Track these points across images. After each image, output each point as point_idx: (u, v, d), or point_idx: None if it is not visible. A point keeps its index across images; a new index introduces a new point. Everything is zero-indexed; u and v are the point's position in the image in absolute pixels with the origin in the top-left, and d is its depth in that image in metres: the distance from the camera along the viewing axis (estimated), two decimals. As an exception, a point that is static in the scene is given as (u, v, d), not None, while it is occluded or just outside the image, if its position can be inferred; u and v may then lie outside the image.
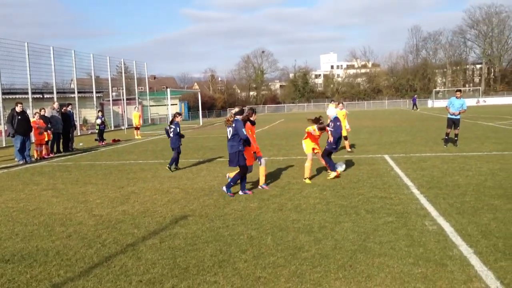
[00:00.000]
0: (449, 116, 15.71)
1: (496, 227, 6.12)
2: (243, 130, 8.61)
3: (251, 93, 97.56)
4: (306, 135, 10.11)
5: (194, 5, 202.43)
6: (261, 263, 5.15)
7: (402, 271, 4.76)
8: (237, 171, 9.05)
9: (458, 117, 15.54)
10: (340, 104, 14.52)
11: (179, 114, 13.54)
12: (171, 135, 12.88)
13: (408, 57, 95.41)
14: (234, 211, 7.64)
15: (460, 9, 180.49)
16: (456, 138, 15.47)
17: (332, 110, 11.19)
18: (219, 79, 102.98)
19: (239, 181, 9.11)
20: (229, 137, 8.83)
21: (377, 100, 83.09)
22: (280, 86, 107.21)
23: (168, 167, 12.51)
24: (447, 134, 15.80)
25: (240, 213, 7.49)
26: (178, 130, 12.85)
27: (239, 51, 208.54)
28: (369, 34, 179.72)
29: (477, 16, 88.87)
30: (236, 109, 9.10)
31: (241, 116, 8.93)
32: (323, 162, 10.51)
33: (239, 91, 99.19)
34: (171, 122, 13.21)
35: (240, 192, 8.98)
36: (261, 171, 9.63)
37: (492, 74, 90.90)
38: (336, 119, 10.56)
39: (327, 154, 10.40)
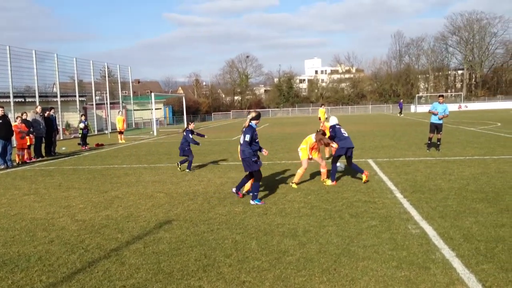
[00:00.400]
0: (432, 121, 15.90)
1: (478, 230, 6.21)
2: (248, 136, 8.47)
3: (236, 97, 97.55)
4: (307, 145, 10.07)
5: (178, 9, 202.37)
6: (246, 267, 5.15)
7: (386, 275, 4.79)
8: (252, 180, 8.77)
9: (440, 122, 15.74)
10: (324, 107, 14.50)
11: (191, 121, 14.37)
12: (182, 140, 13.22)
13: (391, 62, 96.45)
14: (218, 215, 7.62)
15: (442, 16, 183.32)
16: (439, 143, 15.68)
17: (333, 120, 11.06)
18: (204, 83, 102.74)
19: (241, 185, 9.09)
20: (241, 142, 8.65)
21: (361, 105, 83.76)
22: (265, 90, 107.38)
23: (187, 169, 12.99)
24: (430, 139, 15.98)
25: (225, 217, 7.48)
26: (185, 135, 13.15)
27: (223, 56, 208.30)
28: (353, 39, 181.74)
29: (458, 22, 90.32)
30: (253, 114, 8.82)
31: (256, 121, 8.73)
32: (321, 169, 10.46)
33: (223, 96, 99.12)
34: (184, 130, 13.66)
35: (233, 190, 9.03)
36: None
37: (473, 79, 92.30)
38: (331, 127, 10.66)
39: (335, 161, 10.44)
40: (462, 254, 5.32)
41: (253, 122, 8.68)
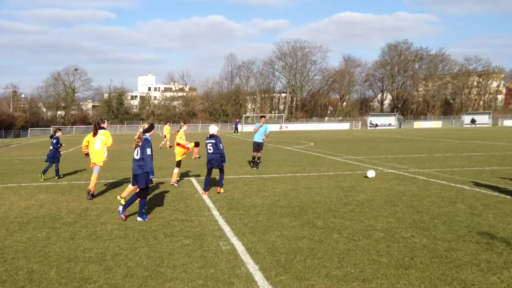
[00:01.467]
0: (255, 140, 16.77)
1: (281, 243, 6.61)
2: (149, 150, 8.19)
3: (59, 112, 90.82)
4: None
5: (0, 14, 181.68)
6: (39, 300, 4.65)
7: (190, 294, 4.76)
8: (135, 192, 8.49)
9: (262, 141, 16.70)
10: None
11: (59, 129, 15.65)
12: (51, 147, 14.51)
13: (223, 83, 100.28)
14: (16, 243, 6.82)
15: (271, 42, 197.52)
16: (258, 161, 16.56)
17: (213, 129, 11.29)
18: (23, 96, 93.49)
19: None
20: (137, 157, 8.28)
21: (192, 124, 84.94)
22: (93, 106, 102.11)
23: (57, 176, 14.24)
24: (254, 157, 16.78)
25: (23, 245, 6.71)
26: (55, 143, 14.57)
27: (49, 67, 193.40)
28: (188, 58, 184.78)
29: (284, 49, 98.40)
30: (146, 126, 8.52)
31: (150, 133, 8.46)
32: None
33: (44, 110, 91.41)
34: (51, 137, 14.90)
35: (120, 210, 8.30)
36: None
37: (294, 102, 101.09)
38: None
39: (208, 173, 11.26)
40: (264, 267, 5.59)
41: (147, 135, 8.45)
